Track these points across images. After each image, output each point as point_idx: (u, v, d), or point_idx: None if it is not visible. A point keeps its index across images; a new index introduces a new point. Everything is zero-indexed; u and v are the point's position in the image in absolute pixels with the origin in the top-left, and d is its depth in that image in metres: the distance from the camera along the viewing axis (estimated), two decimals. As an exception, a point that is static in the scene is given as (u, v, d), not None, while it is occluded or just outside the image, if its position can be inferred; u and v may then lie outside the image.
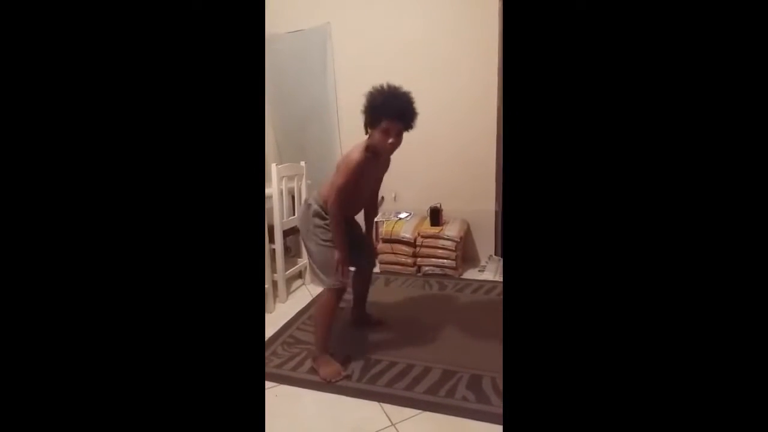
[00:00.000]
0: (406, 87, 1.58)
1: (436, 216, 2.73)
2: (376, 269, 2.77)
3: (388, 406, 1.44)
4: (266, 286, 2.16)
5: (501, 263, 2.79)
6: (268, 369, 1.69)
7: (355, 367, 1.67)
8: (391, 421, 1.38)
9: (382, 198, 3.03)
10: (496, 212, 2.82)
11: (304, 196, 2.48)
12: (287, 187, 2.33)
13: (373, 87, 1.59)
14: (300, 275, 2.64)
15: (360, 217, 1.89)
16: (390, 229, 2.72)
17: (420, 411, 1.41)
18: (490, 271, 2.69)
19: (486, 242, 2.90)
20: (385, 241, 2.73)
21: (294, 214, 2.50)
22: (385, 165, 1.78)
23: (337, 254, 1.62)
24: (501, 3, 2.58)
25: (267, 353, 1.81)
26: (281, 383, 1.60)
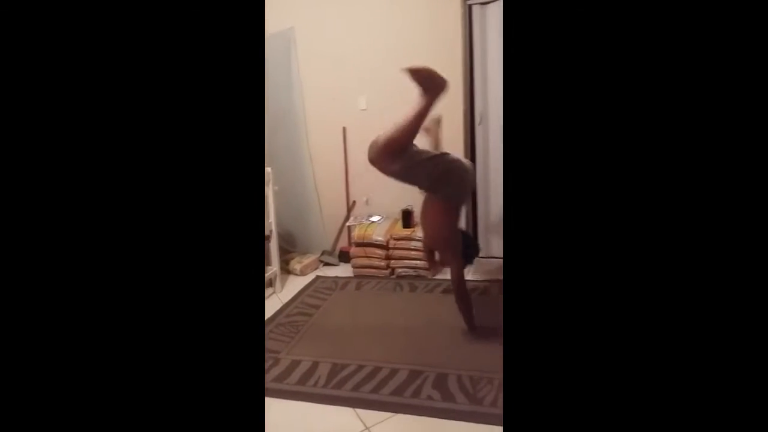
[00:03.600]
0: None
1: (408, 218, 2.73)
2: (349, 273, 2.77)
3: (361, 410, 1.43)
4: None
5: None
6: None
7: (322, 372, 1.65)
8: (365, 425, 1.36)
9: (354, 202, 3.02)
10: (466, 213, 2.84)
11: (271, 202, 2.45)
12: (253, 193, 2.29)
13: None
14: (270, 283, 2.60)
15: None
16: (362, 232, 2.71)
17: (393, 413, 1.40)
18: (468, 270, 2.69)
19: (458, 242, 2.90)
20: (358, 245, 2.72)
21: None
22: None
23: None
24: (464, 8, 2.62)
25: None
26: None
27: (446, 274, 2.64)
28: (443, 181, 1.77)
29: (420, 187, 1.88)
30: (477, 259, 2.81)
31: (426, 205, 1.92)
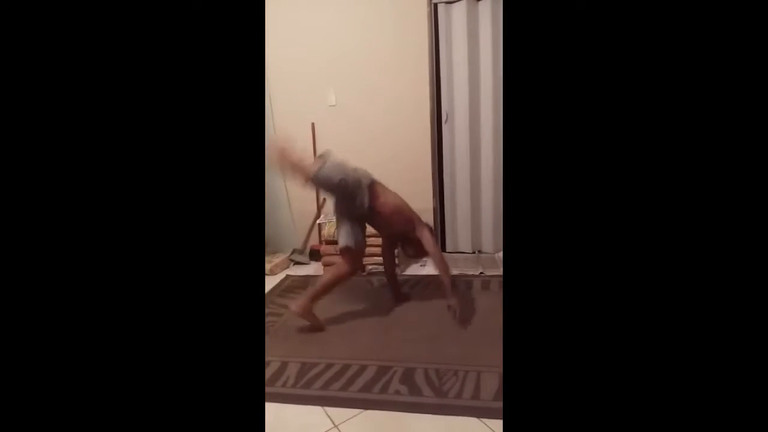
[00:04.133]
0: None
1: (377, 215, 2.74)
2: (320, 271, 2.76)
3: (329, 408, 1.44)
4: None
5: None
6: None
7: (291, 372, 1.65)
8: (333, 423, 1.38)
9: (324, 200, 3.01)
10: (434, 209, 2.89)
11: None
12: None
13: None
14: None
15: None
16: (333, 230, 2.71)
17: (361, 410, 1.42)
18: (431, 266, 2.74)
19: (428, 238, 2.95)
20: (329, 242, 2.72)
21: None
22: None
23: None
24: (429, 7, 2.65)
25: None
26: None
27: (417, 270, 2.70)
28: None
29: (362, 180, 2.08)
30: (443, 254, 2.88)
31: (380, 195, 2.09)
